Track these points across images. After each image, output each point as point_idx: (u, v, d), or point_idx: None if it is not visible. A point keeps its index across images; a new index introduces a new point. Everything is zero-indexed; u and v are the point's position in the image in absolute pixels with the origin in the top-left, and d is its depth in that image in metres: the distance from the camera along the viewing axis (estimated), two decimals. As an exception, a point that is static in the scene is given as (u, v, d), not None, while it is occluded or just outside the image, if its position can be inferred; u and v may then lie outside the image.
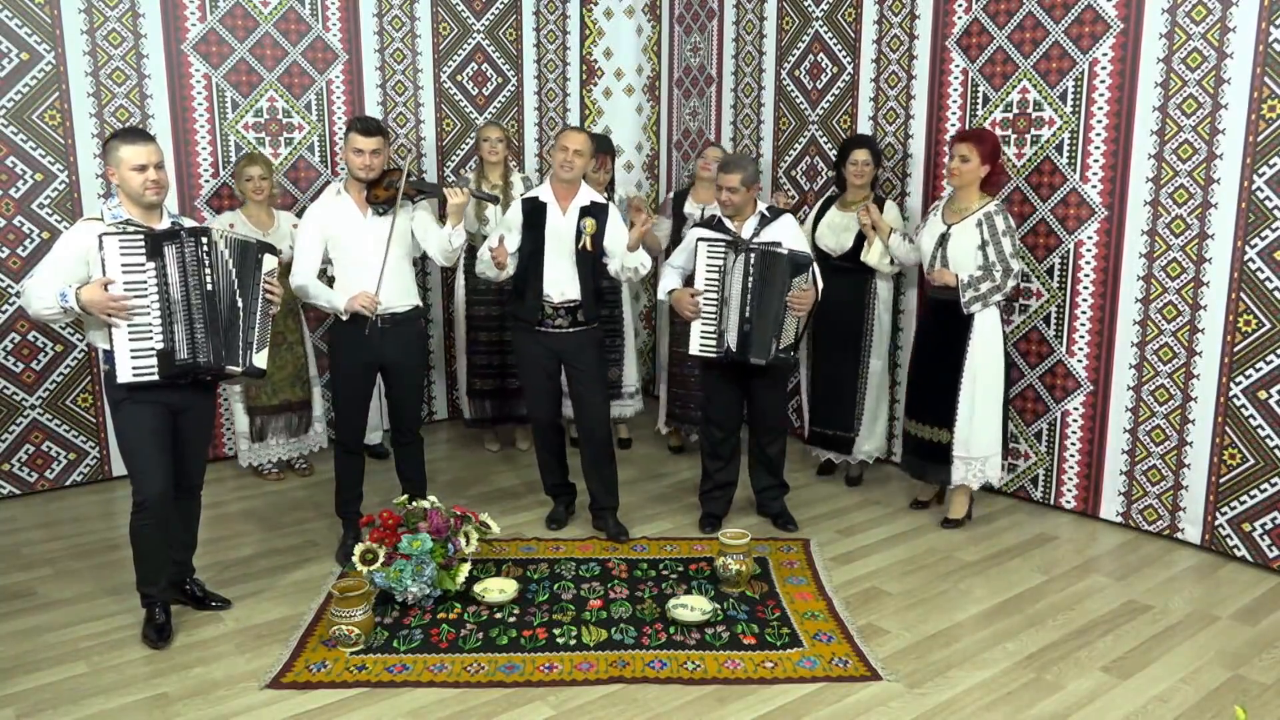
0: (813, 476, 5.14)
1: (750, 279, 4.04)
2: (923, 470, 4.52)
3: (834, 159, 5.01)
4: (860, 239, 4.67)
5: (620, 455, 5.21)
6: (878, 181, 4.90)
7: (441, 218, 4.04)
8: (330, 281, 4.01)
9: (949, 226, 4.27)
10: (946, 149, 4.85)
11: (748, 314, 4.05)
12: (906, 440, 4.59)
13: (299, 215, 4.79)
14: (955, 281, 4.20)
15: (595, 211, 4.17)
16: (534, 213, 4.14)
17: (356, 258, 3.90)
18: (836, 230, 4.77)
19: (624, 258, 4.15)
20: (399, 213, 3.92)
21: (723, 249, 4.10)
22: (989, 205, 4.22)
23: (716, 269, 4.11)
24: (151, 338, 3.19)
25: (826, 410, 4.98)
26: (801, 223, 4.86)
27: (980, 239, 4.18)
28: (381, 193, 3.91)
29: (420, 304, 4.09)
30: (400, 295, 3.96)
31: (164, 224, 3.29)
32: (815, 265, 4.16)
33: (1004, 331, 4.32)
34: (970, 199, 4.26)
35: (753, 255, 4.04)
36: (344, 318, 3.90)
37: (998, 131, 4.63)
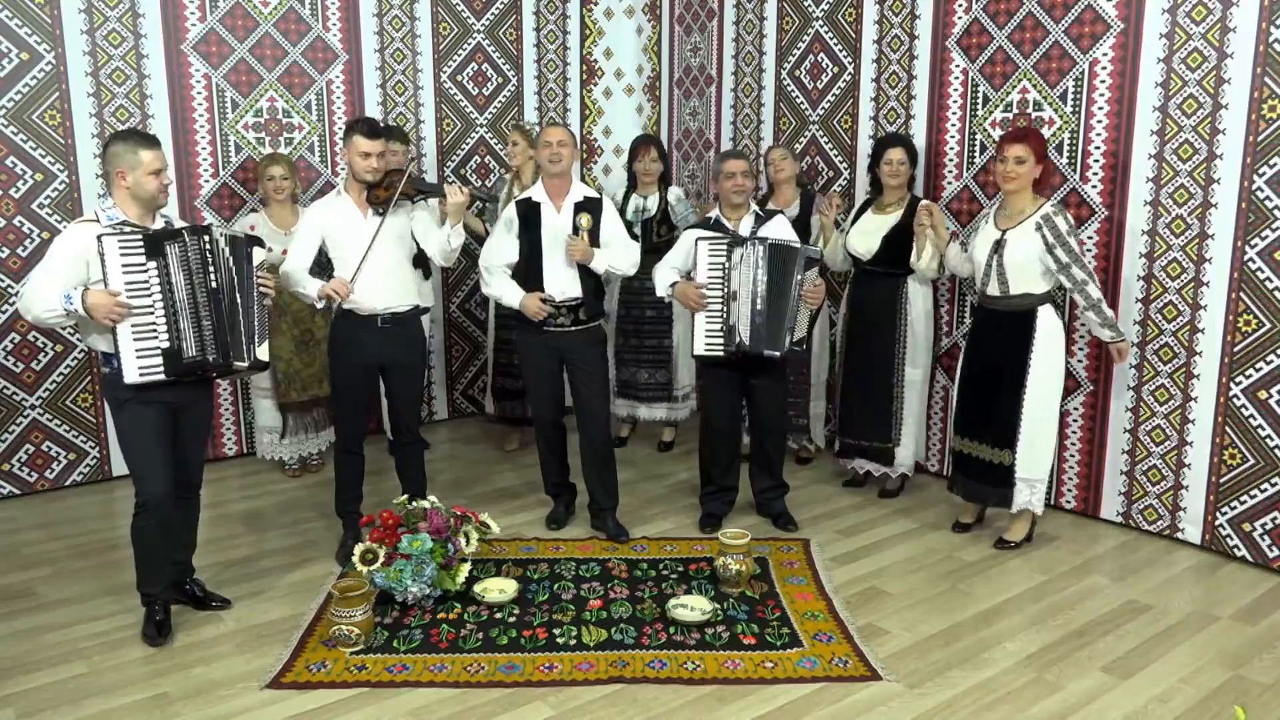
0: (814, 477, 5.14)
1: (759, 271, 4.03)
2: (981, 493, 4.29)
3: (868, 160, 4.81)
4: (888, 242, 4.54)
5: (623, 456, 5.23)
6: (913, 182, 4.73)
7: (443, 217, 4.04)
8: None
9: (1004, 232, 4.03)
10: (948, 149, 4.86)
11: (759, 305, 4.04)
12: (959, 460, 4.33)
13: None
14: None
15: (590, 206, 4.16)
16: (529, 213, 4.13)
17: (356, 258, 3.90)
18: (866, 234, 4.62)
19: (610, 261, 4.14)
20: (397, 212, 3.92)
21: (725, 245, 4.10)
22: (1045, 207, 3.99)
23: (719, 266, 4.10)
24: (156, 337, 3.20)
25: (860, 420, 4.80)
26: (840, 228, 4.81)
27: (1044, 242, 3.93)
28: (382, 193, 3.91)
29: (420, 304, 4.09)
30: (400, 295, 3.96)
31: (157, 225, 3.30)
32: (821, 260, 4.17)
33: (1064, 343, 4.13)
34: (1024, 202, 4.03)
35: (760, 247, 4.04)
36: (319, 305, 3.90)
37: (998, 131, 4.63)
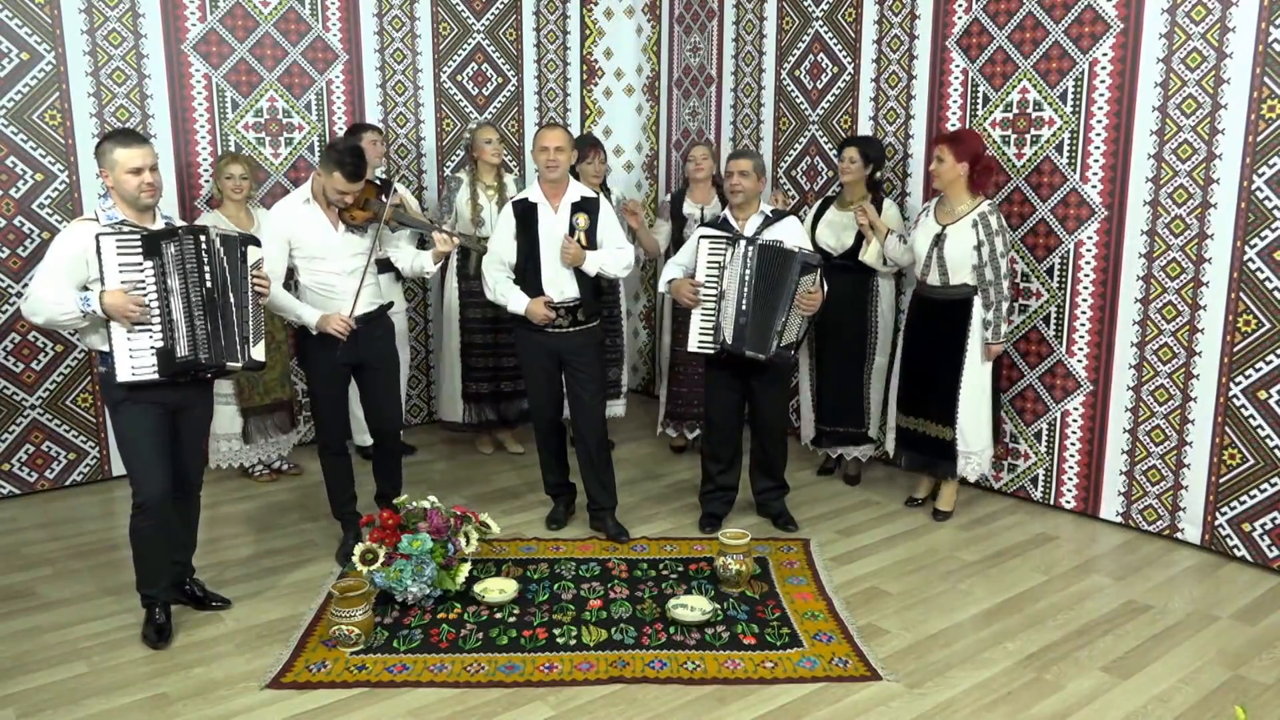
0: (813, 475, 5.14)
1: (747, 271, 4.04)
2: (927, 465, 4.56)
3: (836, 158, 5.02)
4: (860, 237, 4.68)
5: (618, 455, 5.24)
6: (879, 182, 4.86)
7: (422, 242, 4.05)
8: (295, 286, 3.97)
9: (944, 227, 4.28)
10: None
11: (743, 306, 4.05)
12: (905, 436, 4.60)
13: None
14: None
15: (587, 206, 4.16)
16: (526, 215, 4.13)
17: (326, 269, 3.87)
18: (836, 229, 4.78)
19: (601, 263, 4.14)
20: (377, 236, 3.89)
21: (723, 243, 4.11)
22: (983, 205, 4.24)
23: (716, 264, 4.11)
24: (150, 336, 3.19)
25: (834, 409, 4.95)
26: (801, 221, 4.88)
27: (976, 238, 4.20)
28: (359, 214, 3.85)
29: (384, 301, 4.07)
30: (367, 299, 3.93)
31: (157, 225, 3.29)
32: (821, 268, 4.17)
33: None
34: (960, 199, 4.28)
35: (750, 248, 4.04)
36: (313, 333, 3.86)
37: (997, 131, 4.63)
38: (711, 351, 4.16)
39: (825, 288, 4.17)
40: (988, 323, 4.26)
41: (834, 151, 5.40)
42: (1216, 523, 4.16)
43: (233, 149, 5.16)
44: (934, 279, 4.33)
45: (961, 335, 4.30)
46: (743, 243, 4.07)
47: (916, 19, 4.92)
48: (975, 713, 3.04)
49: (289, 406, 5.08)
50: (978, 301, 4.26)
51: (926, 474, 4.65)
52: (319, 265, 3.87)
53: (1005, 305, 4.24)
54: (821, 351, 4.96)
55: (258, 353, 3.40)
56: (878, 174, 4.81)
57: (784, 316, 4.03)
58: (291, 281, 3.94)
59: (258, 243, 3.45)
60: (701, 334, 4.15)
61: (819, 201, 4.97)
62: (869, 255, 4.63)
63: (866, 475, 5.10)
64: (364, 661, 3.28)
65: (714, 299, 4.12)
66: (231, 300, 3.32)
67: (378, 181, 4.09)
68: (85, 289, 3.14)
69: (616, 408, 5.49)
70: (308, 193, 3.88)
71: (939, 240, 4.28)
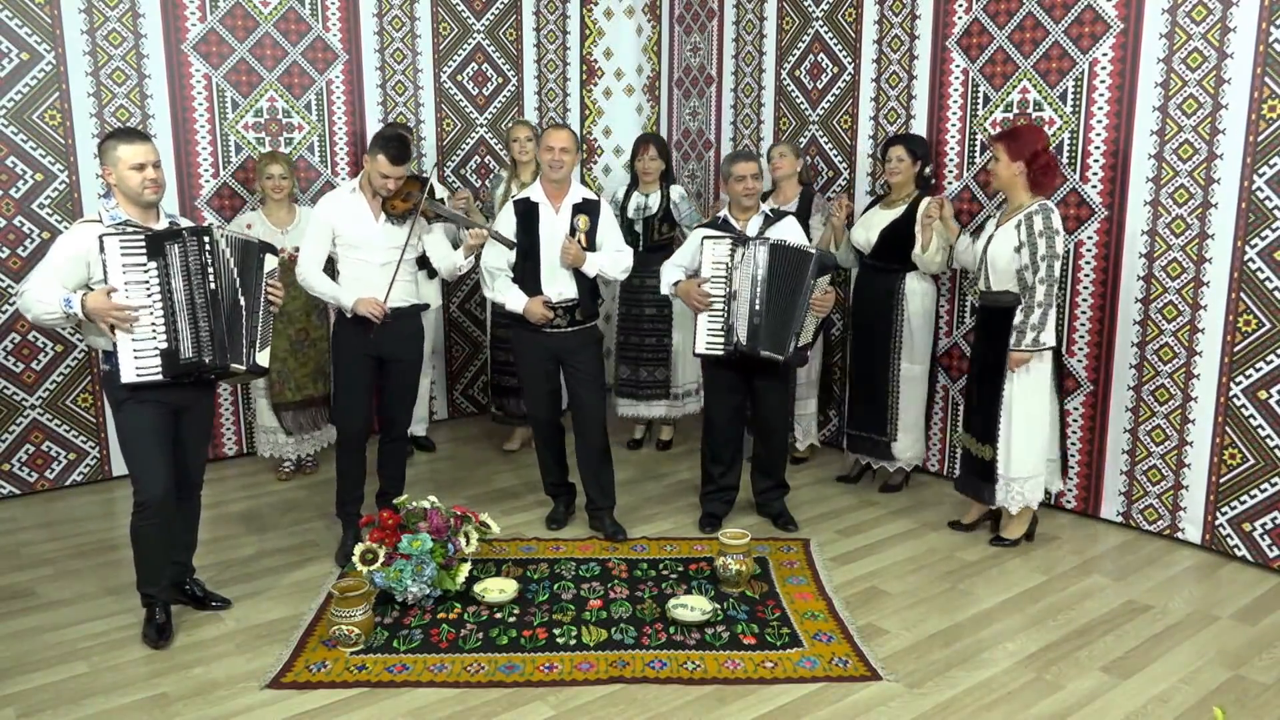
0: (814, 476, 5.13)
1: (760, 271, 4.03)
2: (969, 486, 4.32)
3: (881, 160, 4.92)
4: (885, 236, 4.58)
5: (623, 456, 5.25)
6: (928, 179, 4.71)
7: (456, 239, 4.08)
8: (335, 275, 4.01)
9: (997, 228, 4.07)
10: (948, 149, 4.87)
11: (758, 306, 4.04)
12: (962, 455, 4.40)
13: None
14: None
15: (588, 208, 4.17)
16: (527, 214, 4.13)
17: (364, 258, 3.90)
18: (869, 227, 4.68)
19: (601, 265, 4.15)
20: (415, 228, 3.93)
21: (730, 244, 4.10)
22: (1033, 205, 3.95)
23: (723, 264, 4.10)
24: (155, 337, 3.19)
25: (859, 413, 4.88)
26: (850, 225, 4.86)
27: (1017, 239, 3.94)
28: (399, 204, 3.90)
29: (419, 301, 4.11)
30: (403, 293, 3.97)
31: (161, 224, 3.29)
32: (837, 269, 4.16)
33: (1054, 344, 4.04)
34: (1019, 199, 4.01)
35: (763, 247, 4.04)
36: (348, 315, 3.91)
37: (997, 132, 4.62)
38: (721, 353, 4.15)
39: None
40: (1014, 327, 3.96)
41: (835, 152, 5.41)
42: (1217, 522, 4.16)
43: (233, 150, 5.16)
44: (983, 283, 4.12)
45: (1005, 347, 4.03)
46: (756, 243, 4.06)
47: (917, 19, 4.92)
48: (975, 713, 3.04)
49: (325, 403, 5.09)
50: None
51: (969, 496, 4.35)
52: (356, 254, 3.92)
53: (1038, 313, 3.91)
54: (854, 352, 4.90)
55: (262, 358, 3.41)
56: (926, 170, 4.67)
57: (801, 316, 4.03)
58: (333, 270, 3.99)
59: (275, 251, 3.47)
60: (710, 335, 4.14)
61: (870, 200, 4.90)
62: (927, 254, 4.40)
63: (867, 478, 5.07)
64: (364, 661, 3.28)
65: (721, 299, 4.11)
66: (241, 303, 3.33)
67: (414, 173, 4.13)
68: (76, 290, 3.14)
69: (669, 408, 5.46)
70: (356, 183, 3.96)
71: (989, 241, 4.07)
